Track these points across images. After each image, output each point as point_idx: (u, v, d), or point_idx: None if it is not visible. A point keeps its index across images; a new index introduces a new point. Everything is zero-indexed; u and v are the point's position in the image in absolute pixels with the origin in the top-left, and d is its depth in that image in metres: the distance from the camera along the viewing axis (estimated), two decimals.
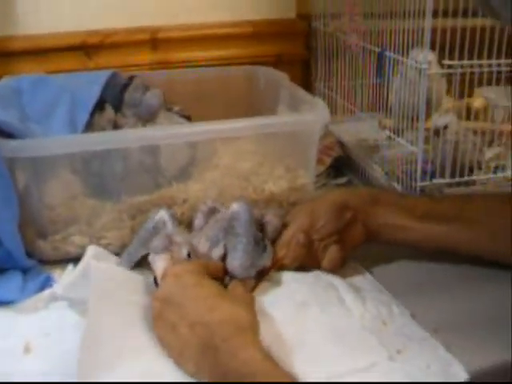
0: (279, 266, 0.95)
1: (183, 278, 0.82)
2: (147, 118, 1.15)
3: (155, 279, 0.88)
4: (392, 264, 1.01)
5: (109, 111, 1.14)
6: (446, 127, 1.15)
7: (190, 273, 0.83)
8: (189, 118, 1.21)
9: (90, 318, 0.80)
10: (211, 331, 0.74)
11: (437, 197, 1.11)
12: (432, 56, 1.08)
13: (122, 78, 1.18)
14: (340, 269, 0.96)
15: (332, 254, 0.95)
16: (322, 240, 0.96)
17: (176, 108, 1.21)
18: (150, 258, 0.91)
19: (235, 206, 0.93)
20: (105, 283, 0.86)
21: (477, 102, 1.23)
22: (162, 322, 0.79)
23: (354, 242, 0.98)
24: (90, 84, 1.12)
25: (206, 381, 0.74)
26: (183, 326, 0.76)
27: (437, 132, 1.15)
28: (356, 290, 0.93)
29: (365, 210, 0.97)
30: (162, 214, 0.96)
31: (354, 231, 0.97)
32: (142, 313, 0.84)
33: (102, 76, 1.13)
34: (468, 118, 1.23)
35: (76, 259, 0.96)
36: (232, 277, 0.89)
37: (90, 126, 1.09)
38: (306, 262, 0.96)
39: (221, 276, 0.89)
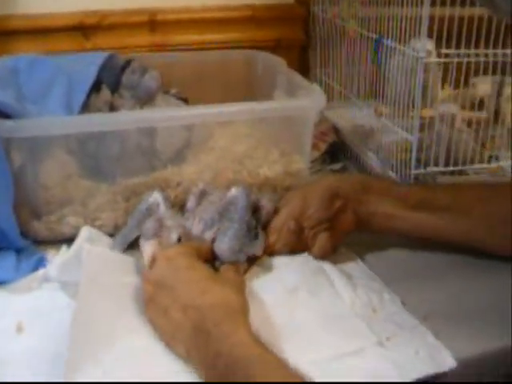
0: (270, 252, 0.96)
1: (175, 260, 0.82)
2: (145, 100, 1.15)
3: None
4: (384, 251, 1.02)
5: (105, 93, 1.13)
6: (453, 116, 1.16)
7: (182, 255, 0.83)
8: (186, 101, 1.21)
9: (81, 299, 0.81)
10: (203, 314, 0.75)
11: (429, 186, 1.12)
12: (431, 45, 1.08)
13: (119, 59, 1.17)
14: (330, 256, 0.97)
15: (322, 241, 0.96)
16: (312, 227, 0.96)
17: (173, 90, 1.21)
18: (141, 242, 0.91)
19: (234, 191, 0.93)
20: (96, 266, 0.87)
21: (481, 91, 1.22)
22: (153, 304, 0.80)
23: (344, 230, 0.98)
24: (87, 65, 1.12)
25: (196, 363, 0.74)
26: (175, 310, 0.77)
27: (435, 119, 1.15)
28: (347, 276, 0.93)
29: (356, 197, 0.97)
30: (156, 196, 0.97)
31: (344, 219, 0.97)
32: (134, 294, 0.85)
33: (100, 57, 1.13)
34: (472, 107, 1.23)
35: (70, 240, 0.97)
36: (222, 261, 0.90)
37: (86, 108, 1.09)
38: (296, 249, 0.96)
39: (212, 258, 0.90)
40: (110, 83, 1.15)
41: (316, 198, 0.96)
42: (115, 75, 1.16)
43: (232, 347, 0.71)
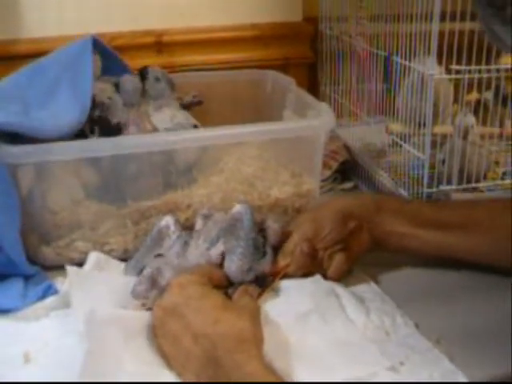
0: (283, 275, 0.94)
1: (188, 288, 0.81)
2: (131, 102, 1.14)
3: None
4: (397, 272, 1.00)
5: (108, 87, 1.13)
6: (472, 127, 1.14)
7: (195, 284, 0.82)
8: (200, 103, 1.22)
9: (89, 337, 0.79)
10: (214, 343, 0.73)
11: (441, 203, 1.10)
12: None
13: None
14: (344, 277, 0.96)
15: (337, 262, 0.94)
16: (326, 249, 0.95)
17: (188, 98, 1.20)
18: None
19: (238, 208, 0.92)
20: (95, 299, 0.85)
21: (471, 96, 1.20)
22: (163, 331, 0.78)
23: (359, 250, 0.97)
24: (80, 56, 1.11)
25: None
26: (186, 338, 0.75)
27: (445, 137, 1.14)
28: (359, 299, 0.92)
29: (369, 217, 0.97)
30: (167, 219, 0.96)
31: (359, 239, 0.96)
32: (141, 323, 0.83)
33: (87, 44, 1.12)
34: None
35: (79, 265, 0.96)
36: (232, 283, 0.89)
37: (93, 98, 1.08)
38: (311, 271, 0.95)
39: (225, 285, 0.88)
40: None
41: (329, 219, 0.95)
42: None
43: (243, 376, 0.69)
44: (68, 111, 1.04)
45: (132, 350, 0.78)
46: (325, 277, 0.95)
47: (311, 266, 0.94)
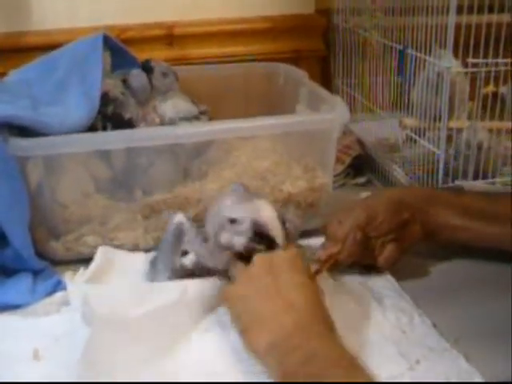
0: (334, 262, 0.93)
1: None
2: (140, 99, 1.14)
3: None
4: (416, 269, 0.99)
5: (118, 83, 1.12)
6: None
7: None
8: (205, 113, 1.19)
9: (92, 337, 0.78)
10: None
11: (494, 196, 1.08)
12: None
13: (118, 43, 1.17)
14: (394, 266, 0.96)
15: (389, 252, 0.94)
16: (378, 237, 0.94)
17: (203, 106, 1.19)
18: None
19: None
20: (104, 307, 0.83)
21: (487, 88, 1.19)
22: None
23: (410, 241, 0.97)
24: (90, 53, 1.09)
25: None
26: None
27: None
28: (378, 296, 0.91)
29: (422, 209, 0.97)
30: (179, 217, 0.93)
31: (410, 230, 0.96)
32: (145, 326, 0.81)
33: (97, 41, 1.10)
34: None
35: (88, 260, 0.95)
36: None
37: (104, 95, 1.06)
38: (361, 259, 0.94)
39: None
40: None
41: (383, 208, 0.95)
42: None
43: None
44: (77, 109, 1.03)
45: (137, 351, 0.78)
46: (375, 265, 0.95)
47: (362, 254, 0.94)
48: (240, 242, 0.86)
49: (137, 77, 1.13)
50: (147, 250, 1.00)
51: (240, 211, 0.87)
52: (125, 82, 1.13)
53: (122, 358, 0.77)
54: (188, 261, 0.90)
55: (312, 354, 0.70)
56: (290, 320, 0.73)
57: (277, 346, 0.72)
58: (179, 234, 0.92)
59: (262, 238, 0.86)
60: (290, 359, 0.70)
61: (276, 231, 0.86)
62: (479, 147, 1.11)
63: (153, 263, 0.94)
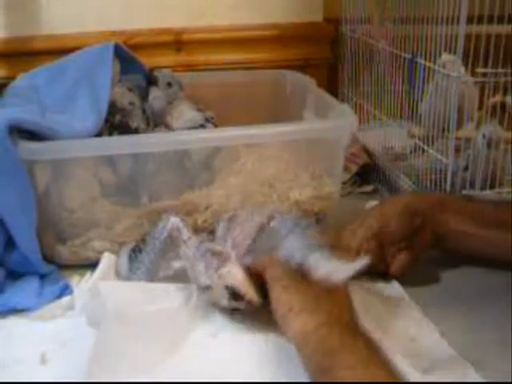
0: None
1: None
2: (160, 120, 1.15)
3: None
4: (425, 277, 0.98)
5: (126, 93, 1.12)
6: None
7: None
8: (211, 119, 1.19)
9: (103, 334, 0.78)
10: None
11: (502, 203, 1.08)
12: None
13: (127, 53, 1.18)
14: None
15: (402, 260, 0.94)
16: (392, 244, 0.94)
17: (209, 113, 1.19)
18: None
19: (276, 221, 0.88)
20: (115, 299, 0.83)
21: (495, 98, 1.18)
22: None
23: (422, 248, 0.97)
24: (100, 61, 1.10)
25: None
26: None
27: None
28: (385, 303, 0.90)
29: (434, 215, 0.96)
30: (175, 221, 0.91)
31: (422, 237, 0.96)
32: (158, 323, 0.82)
33: (107, 51, 1.10)
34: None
35: (95, 264, 0.95)
36: None
37: (112, 105, 1.07)
38: (375, 267, 0.93)
39: None
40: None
41: (395, 215, 0.95)
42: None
43: None
44: (84, 117, 1.03)
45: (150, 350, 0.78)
46: (387, 273, 0.95)
47: (376, 263, 0.93)
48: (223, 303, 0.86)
49: (158, 99, 1.14)
50: None
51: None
52: (130, 89, 1.13)
53: (132, 353, 0.77)
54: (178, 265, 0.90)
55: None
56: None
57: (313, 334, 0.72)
58: (171, 242, 0.91)
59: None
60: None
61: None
62: (487, 157, 1.10)
63: (135, 264, 0.93)
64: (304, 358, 0.72)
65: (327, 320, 0.72)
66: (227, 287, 0.83)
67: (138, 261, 0.93)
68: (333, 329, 0.71)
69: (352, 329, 0.72)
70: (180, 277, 0.90)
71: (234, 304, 0.84)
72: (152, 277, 0.91)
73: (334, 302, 0.75)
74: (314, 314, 0.73)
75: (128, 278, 0.92)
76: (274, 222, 0.87)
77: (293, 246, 0.80)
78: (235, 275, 0.84)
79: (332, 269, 0.75)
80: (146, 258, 0.92)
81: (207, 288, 0.85)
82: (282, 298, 0.76)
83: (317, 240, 0.81)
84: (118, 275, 0.94)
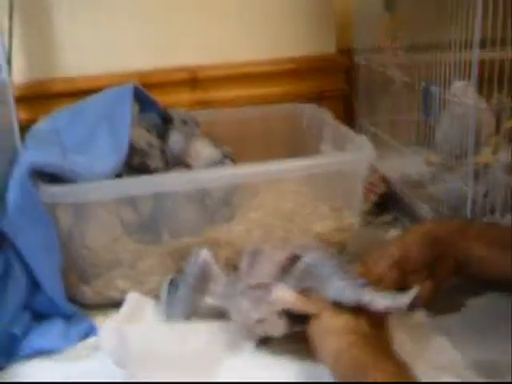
0: None
1: None
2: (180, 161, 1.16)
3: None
4: (450, 306, 0.97)
5: (144, 133, 1.14)
6: None
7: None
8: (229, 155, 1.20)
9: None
10: None
11: None
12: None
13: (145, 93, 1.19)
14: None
15: (425, 290, 0.93)
16: (414, 273, 0.94)
17: (226, 148, 1.19)
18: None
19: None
20: (141, 347, 0.83)
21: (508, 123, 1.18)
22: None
23: (445, 276, 0.96)
24: (120, 104, 1.12)
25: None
26: None
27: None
28: (410, 333, 0.90)
29: (455, 242, 0.96)
30: (205, 256, 0.92)
31: (444, 265, 0.95)
32: (185, 363, 0.82)
33: (127, 92, 1.13)
34: None
35: (119, 304, 0.95)
36: None
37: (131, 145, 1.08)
38: None
39: None
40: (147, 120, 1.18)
41: (417, 243, 0.95)
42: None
43: None
44: (104, 159, 1.04)
45: None
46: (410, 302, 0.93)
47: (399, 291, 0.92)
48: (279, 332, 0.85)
49: (177, 143, 1.15)
50: None
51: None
52: (148, 130, 1.14)
53: None
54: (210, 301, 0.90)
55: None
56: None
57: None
58: (203, 276, 0.91)
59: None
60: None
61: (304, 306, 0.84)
62: (506, 183, 1.10)
63: (169, 302, 0.94)
64: (336, 374, 0.73)
65: (362, 339, 0.74)
66: (283, 312, 0.83)
67: (174, 296, 0.94)
68: (366, 348, 0.73)
69: (386, 350, 0.74)
70: (214, 312, 0.90)
71: (297, 328, 0.84)
72: (188, 312, 0.91)
73: (372, 325, 0.77)
74: (349, 334, 0.75)
75: (167, 313, 0.93)
76: (307, 257, 0.87)
77: (339, 287, 0.81)
78: (287, 298, 0.84)
79: (390, 301, 0.78)
80: (181, 292, 0.93)
81: (260, 322, 0.84)
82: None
83: (358, 275, 0.84)
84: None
